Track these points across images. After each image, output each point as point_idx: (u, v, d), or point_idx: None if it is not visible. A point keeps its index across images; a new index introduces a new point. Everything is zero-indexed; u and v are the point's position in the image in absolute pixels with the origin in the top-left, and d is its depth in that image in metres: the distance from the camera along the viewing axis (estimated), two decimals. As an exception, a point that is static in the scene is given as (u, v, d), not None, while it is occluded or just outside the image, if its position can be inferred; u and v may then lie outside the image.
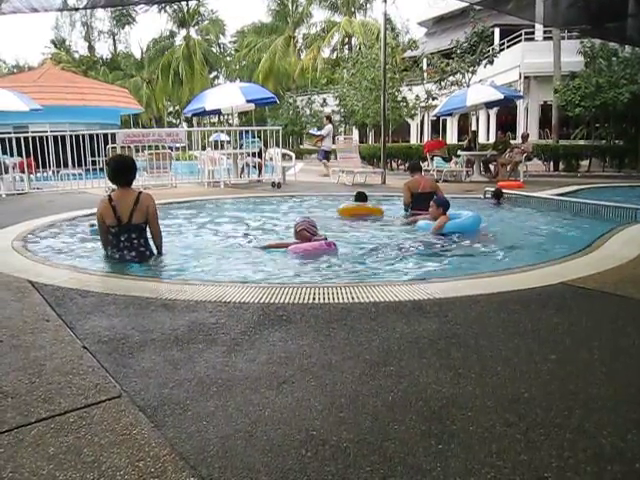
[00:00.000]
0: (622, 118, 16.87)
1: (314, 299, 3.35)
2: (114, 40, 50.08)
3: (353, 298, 3.35)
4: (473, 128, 17.58)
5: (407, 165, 8.66)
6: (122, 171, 4.58)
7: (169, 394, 2.12)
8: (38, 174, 12.93)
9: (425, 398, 2.07)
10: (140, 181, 11.66)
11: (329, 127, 16.39)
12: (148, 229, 4.65)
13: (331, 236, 6.20)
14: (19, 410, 2.00)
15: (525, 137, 14.53)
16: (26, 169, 11.75)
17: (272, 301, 3.31)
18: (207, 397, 2.09)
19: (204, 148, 13.50)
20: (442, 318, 2.98)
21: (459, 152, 14.71)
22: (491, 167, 14.54)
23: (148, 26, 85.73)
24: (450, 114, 18.61)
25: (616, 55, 16.22)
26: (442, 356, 2.48)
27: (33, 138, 11.56)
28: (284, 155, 14.05)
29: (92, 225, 5.96)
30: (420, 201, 6.96)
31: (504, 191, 8.91)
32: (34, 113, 12.97)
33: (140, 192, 4.57)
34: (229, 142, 14.78)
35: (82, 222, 7.29)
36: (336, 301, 3.31)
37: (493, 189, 8.94)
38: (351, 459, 1.69)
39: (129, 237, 4.54)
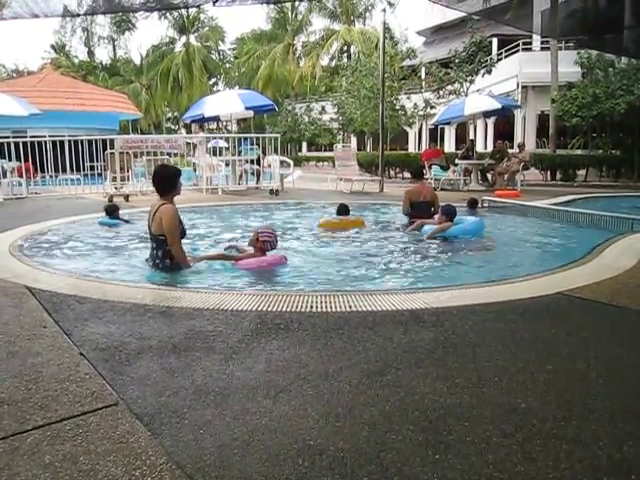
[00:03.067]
0: (619, 128, 16.99)
1: (312, 307, 3.35)
2: (114, 46, 50.24)
3: (351, 307, 3.35)
4: (471, 137, 17.66)
5: (410, 171, 8.54)
6: (153, 181, 4.72)
7: (166, 402, 2.12)
8: (36, 179, 12.92)
9: (422, 408, 2.07)
10: (138, 186, 11.71)
11: (202, 135, 14.49)
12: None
13: (328, 245, 6.23)
14: (15, 417, 2.00)
15: (521, 146, 14.61)
16: (24, 174, 11.76)
17: (270, 309, 3.31)
18: (204, 405, 2.09)
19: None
20: (439, 327, 2.99)
21: (457, 161, 14.78)
22: (489, 176, 14.60)
23: (148, 32, 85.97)
24: (448, 123, 18.72)
25: (613, 66, 16.35)
26: (439, 366, 2.48)
27: (32, 143, 11.57)
28: (282, 162, 14.07)
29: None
30: (420, 209, 7.00)
31: (497, 199, 8.93)
32: (33, 118, 12.98)
33: (163, 204, 4.51)
34: (227, 149, 14.81)
35: (80, 227, 7.30)
36: (334, 310, 3.31)
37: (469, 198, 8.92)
38: (348, 469, 1.69)
39: (151, 245, 4.64)
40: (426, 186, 7.73)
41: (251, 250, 4.94)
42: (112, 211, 7.27)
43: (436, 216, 6.53)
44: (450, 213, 6.35)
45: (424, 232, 6.45)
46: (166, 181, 4.58)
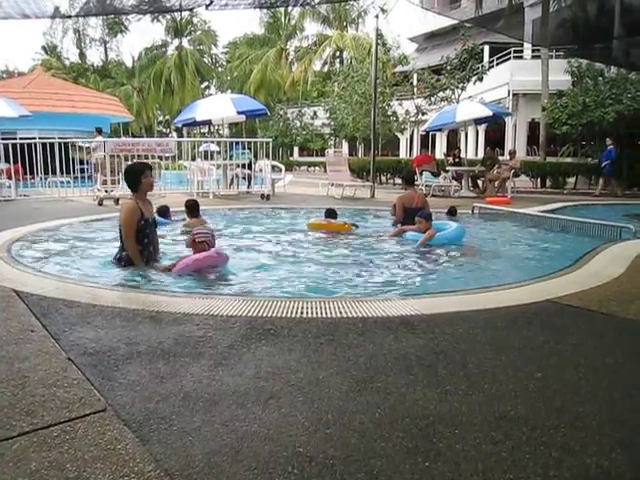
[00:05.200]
0: (608, 137, 17.17)
1: (302, 313, 3.34)
2: (105, 48, 50.07)
3: (341, 313, 3.35)
4: (458, 145, 17.79)
5: (401, 175, 8.65)
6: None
7: (155, 408, 2.10)
8: (26, 181, 12.83)
9: (412, 415, 2.07)
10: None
11: (99, 139, 13.37)
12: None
13: (317, 251, 6.23)
14: (1, 423, 1.97)
15: (512, 154, 14.73)
16: (13, 175, 11.66)
17: (260, 315, 3.30)
18: (193, 412, 2.08)
19: (194, 158, 13.49)
20: (429, 334, 2.99)
21: (447, 167, 14.86)
22: (479, 183, 14.69)
23: (140, 35, 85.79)
24: (439, 129, 18.80)
25: (602, 75, 16.55)
26: (429, 373, 2.48)
27: (21, 144, 11.48)
28: (274, 167, 14.07)
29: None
30: (411, 216, 7.02)
31: (492, 205, 8.98)
32: (23, 119, 12.91)
33: (129, 199, 4.89)
34: (219, 153, 14.78)
35: (70, 230, 7.25)
36: (324, 316, 3.30)
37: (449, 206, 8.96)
38: (338, 476, 1.68)
39: None
40: (417, 192, 7.78)
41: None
42: (163, 213, 7.50)
43: (418, 224, 6.58)
44: (429, 218, 6.53)
45: (406, 238, 6.55)
46: (129, 177, 4.92)
